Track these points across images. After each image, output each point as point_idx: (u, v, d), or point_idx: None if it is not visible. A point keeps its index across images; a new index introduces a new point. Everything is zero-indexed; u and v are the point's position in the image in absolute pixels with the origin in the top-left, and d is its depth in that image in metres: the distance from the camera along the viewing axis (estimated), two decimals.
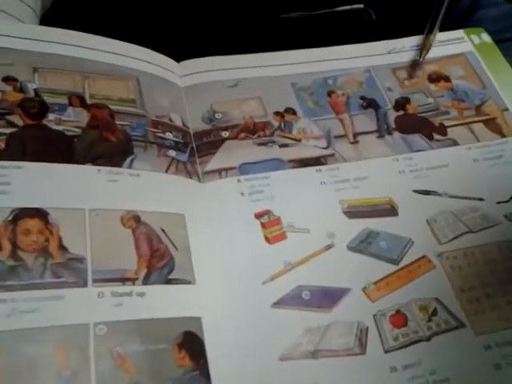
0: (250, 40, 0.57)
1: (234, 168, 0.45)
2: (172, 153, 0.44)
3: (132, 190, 0.40)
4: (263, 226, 0.42)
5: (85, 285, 0.34)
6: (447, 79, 0.54)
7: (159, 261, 0.38)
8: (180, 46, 0.54)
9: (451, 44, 0.57)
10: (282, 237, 0.42)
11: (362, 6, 0.65)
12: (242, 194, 0.44)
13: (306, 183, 0.45)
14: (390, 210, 0.44)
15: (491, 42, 0.57)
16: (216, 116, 0.49)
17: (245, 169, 0.45)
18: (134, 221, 0.39)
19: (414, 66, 0.54)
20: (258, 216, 0.43)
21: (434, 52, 0.55)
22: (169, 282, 0.37)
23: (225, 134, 0.48)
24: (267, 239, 0.42)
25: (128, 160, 0.42)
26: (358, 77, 0.54)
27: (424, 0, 0.59)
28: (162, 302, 0.36)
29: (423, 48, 0.55)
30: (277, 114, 0.50)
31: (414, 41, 0.57)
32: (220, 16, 0.59)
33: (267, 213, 0.43)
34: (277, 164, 0.46)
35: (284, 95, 0.51)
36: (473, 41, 0.58)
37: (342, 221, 0.43)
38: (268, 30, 0.60)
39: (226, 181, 0.44)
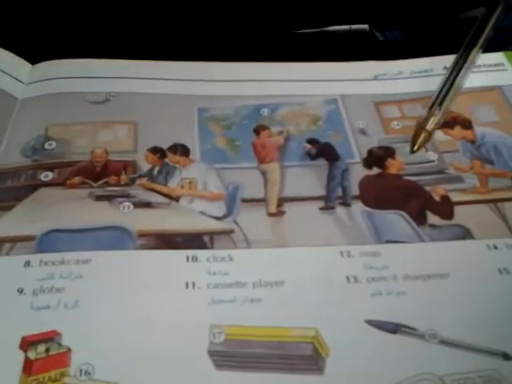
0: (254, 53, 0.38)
1: (30, 238, 0.24)
2: None
3: None
4: (26, 368, 0.20)
5: None
6: (467, 125, 0.32)
7: None
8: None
9: (482, 71, 0.35)
10: None
11: (366, 26, 0.45)
12: (21, 291, 0.22)
13: (156, 282, 0.23)
14: (311, 359, 0.21)
15: None
16: (46, 145, 0.29)
17: (51, 241, 0.24)
18: None
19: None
20: (28, 344, 0.21)
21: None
22: None
23: (46, 175, 0.27)
24: None
25: None
26: (313, 109, 0.32)
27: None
28: None
29: (422, 126, 0.31)
30: (154, 151, 0.29)
31: (415, 65, 0.36)
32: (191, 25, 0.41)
33: (51, 337, 0.21)
34: (117, 237, 0.25)
35: (179, 124, 0.31)
36: None
37: (201, 374, 0.21)
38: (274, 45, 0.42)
39: (2, 261, 0.23)
